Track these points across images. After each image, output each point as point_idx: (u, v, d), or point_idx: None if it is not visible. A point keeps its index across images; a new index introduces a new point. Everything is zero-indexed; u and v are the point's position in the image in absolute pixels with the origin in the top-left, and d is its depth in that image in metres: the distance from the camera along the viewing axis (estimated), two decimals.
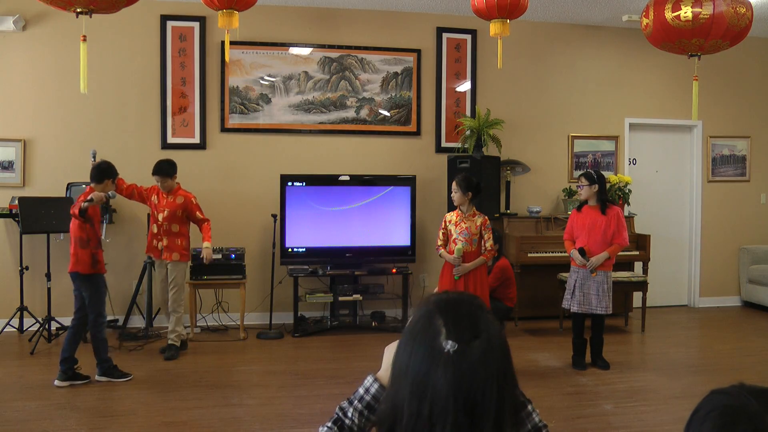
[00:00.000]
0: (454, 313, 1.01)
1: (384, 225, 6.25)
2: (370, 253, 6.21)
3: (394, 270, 6.16)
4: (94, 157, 5.19)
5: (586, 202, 4.99)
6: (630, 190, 6.71)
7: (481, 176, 5.80)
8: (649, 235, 6.54)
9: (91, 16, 3.62)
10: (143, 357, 5.15)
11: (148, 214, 5.48)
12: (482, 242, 4.60)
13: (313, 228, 6.11)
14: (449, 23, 6.70)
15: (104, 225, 5.63)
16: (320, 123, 6.50)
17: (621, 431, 3.73)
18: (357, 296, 6.14)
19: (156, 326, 5.94)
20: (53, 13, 5.76)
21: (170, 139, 6.23)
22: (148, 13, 6.05)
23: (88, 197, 4.38)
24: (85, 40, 3.76)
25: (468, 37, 6.76)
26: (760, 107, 7.49)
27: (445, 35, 6.71)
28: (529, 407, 1.22)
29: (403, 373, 1.00)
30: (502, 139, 6.52)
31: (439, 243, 4.70)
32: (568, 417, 3.91)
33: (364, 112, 6.57)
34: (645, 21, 4.21)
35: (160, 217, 5.17)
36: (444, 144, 6.74)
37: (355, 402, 1.19)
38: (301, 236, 6.06)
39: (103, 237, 5.60)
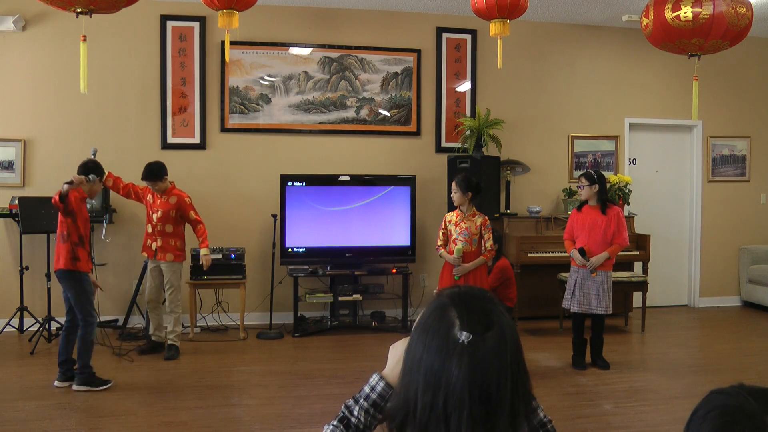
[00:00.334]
0: (467, 305, 1.03)
1: (384, 225, 6.25)
2: (370, 253, 6.21)
3: (394, 270, 6.17)
4: (94, 154, 5.19)
5: (586, 202, 4.99)
6: (630, 190, 6.71)
7: (481, 176, 5.80)
8: (649, 235, 6.54)
9: (91, 16, 3.62)
10: (143, 357, 5.15)
11: None
12: (482, 242, 4.60)
13: (313, 228, 6.11)
14: (449, 23, 6.70)
15: (104, 225, 5.64)
16: (320, 123, 6.50)
17: (621, 431, 3.73)
18: (357, 296, 6.14)
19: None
20: (53, 13, 5.76)
21: (170, 139, 6.23)
22: (148, 13, 6.05)
23: (68, 180, 4.27)
24: (85, 40, 3.76)
25: (468, 37, 6.76)
26: (760, 107, 7.49)
27: (445, 35, 6.71)
28: (534, 402, 1.23)
29: (416, 366, 1.01)
30: (502, 139, 6.52)
31: (439, 243, 4.70)
32: (568, 417, 3.91)
33: (364, 112, 6.57)
34: (645, 21, 4.21)
35: (155, 217, 5.16)
36: (444, 144, 6.74)
37: (361, 400, 1.19)
38: (301, 236, 6.06)
39: (103, 237, 5.63)
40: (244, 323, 5.93)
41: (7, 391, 4.26)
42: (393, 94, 6.62)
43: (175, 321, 5.20)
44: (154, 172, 5.08)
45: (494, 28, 4.27)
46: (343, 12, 6.51)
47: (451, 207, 4.97)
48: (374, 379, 1.21)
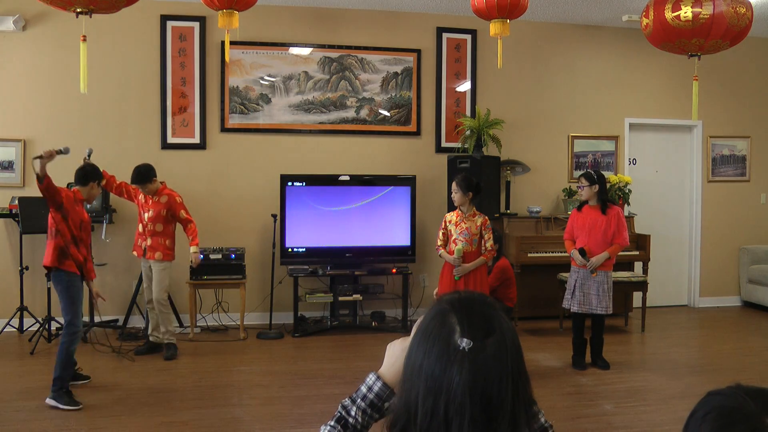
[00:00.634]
0: (468, 311, 1.03)
1: (384, 225, 6.25)
2: (370, 253, 6.21)
3: (394, 270, 6.17)
4: (89, 155, 5.17)
5: (586, 202, 4.99)
6: (630, 190, 6.71)
7: (481, 176, 5.80)
8: (649, 235, 6.54)
9: (91, 16, 3.63)
10: (143, 357, 5.15)
11: None
12: (482, 242, 4.59)
13: (313, 228, 6.11)
14: (449, 23, 6.70)
15: (104, 225, 5.64)
16: (320, 123, 6.50)
17: (621, 431, 3.73)
18: (357, 296, 6.14)
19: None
20: (53, 13, 5.76)
21: (170, 139, 6.23)
22: (148, 13, 6.05)
23: (37, 155, 4.01)
24: (85, 40, 3.76)
25: (468, 37, 6.76)
26: (759, 107, 7.49)
27: (445, 35, 6.71)
28: (535, 407, 1.23)
29: (417, 372, 1.01)
30: (502, 139, 6.52)
31: (439, 243, 4.69)
32: (568, 417, 3.91)
33: (364, 112, 6.57)
34: (645, 21, 4.21)
35: (146, 216, 5.16)
36: (444, 144, 6.74)
37: (358, 400, 1.19)
38: (301, 236, 6.06)
39: (103, 237, 5.63)
40: (244, 323, 5.92)
41: (7, 391, 4.26)
42: (393, 94, 6.62)
43: (167, 320, 5.19)
44: (143, 174, 5.05)
45: (494, 28, 4.27)
46: (343, 12, 6.51)
47: (451, 207, 4.97)
48: (371, 378, 1.20)
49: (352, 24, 6.53)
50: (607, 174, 6.59)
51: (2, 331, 5.56)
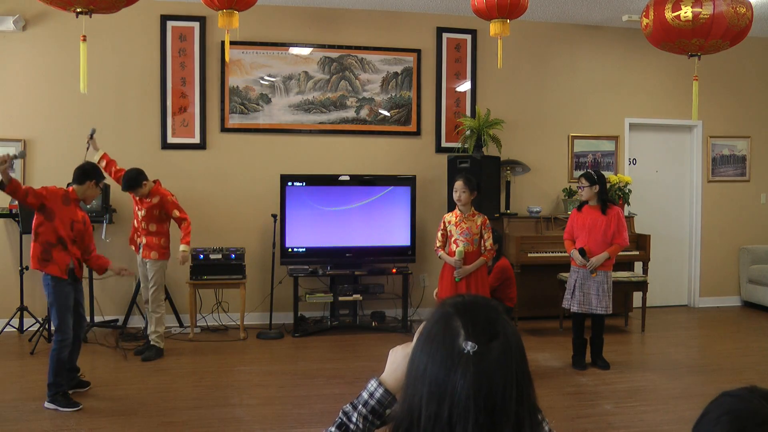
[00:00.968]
0: (472, 315, 1.02)
1: (384, 225, 6.25)
2: (370, 253, 6.21)
3: (394, 270, 6.16)
4: (92, 135, 5.14)
5: (586, 202, 4.99)
6: (630, 190, 6.71)
7: (481, 176, 5.80)
8: (649, 235, 6.54)
9: (91, 16, 3.63)
10: (140, 357, 5.14)
11: None
12: (482, 242, 4.59)
13: (313, 228, 6.11)
14: (449, 23, 6.70)
15: (104, 225, 5.64)
16: (320, 123, 6.50)
17: (621, 431, 3.73)
18: (357, 296, 6.14)
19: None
20: (53, 13, 5.76)
21: (170, 139, 6.23)
22: (148, 13, 6.05)
23: None
24: (85, 40, 3.76)
25: (468, 37, 6.76)
26: (759, 107, 7.49)
27: (445, 35, 6.71)
28: (540, 416, 1.22)
29: (421, 376, 1.00)
30: (502, 139, 6.52)
31: (438, 244, 4.65)
32: (568, 417, 3.91)
33: (364, 112, 6.57)
34: (645, 21, 4.21)
35: (140, 215, 5.16)
36: (444, 144, 6.74)
37: (360, 406, 1.18)
38: (301, 236, 6.06)
39: (103, 237, 5.63)
40: (244, 323, 5.92)
41: (7, 391, 4.26)
42: (393, 94, 6.62)
43: (157, 321, 5.16)
44: (132, 180, 5.00)
45: (494, 28, 4.27)
46: (343, 12, 6.51)
47: (452, 207, 4.96)
48: (372, 385, 1.20)
49: (352, 24, 6.53)
50: (607, 174, 6.59)
51: (2, 331, 5.56)
